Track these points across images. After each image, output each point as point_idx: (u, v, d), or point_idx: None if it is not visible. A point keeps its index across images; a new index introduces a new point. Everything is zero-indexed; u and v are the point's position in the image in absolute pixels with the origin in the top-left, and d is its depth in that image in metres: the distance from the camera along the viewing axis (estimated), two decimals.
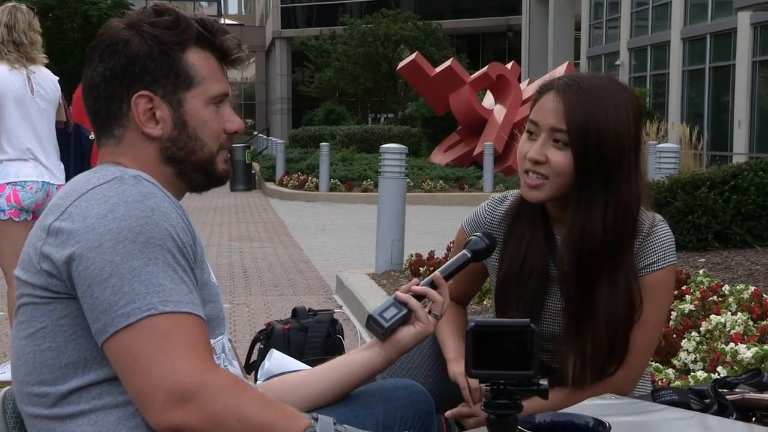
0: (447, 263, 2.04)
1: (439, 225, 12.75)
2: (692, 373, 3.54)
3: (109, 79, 1.69)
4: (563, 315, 2.21)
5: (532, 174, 2.15)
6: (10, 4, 4.77)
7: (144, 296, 1.53)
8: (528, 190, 2.17)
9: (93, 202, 1.59)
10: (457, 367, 2.28)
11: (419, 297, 1.93)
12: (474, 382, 2.23)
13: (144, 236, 1.55)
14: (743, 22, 20.59)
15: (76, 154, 5.19)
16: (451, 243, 7.38)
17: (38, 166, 4.69)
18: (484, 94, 22.19)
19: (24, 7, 4.79)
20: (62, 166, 4.84)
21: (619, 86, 2.19)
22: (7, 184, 4.60)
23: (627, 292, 2.15)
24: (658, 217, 2.25)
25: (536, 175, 2.14)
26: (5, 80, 4.58)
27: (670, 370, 3.68)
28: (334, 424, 1.61)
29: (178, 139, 1.72)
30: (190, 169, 1.75)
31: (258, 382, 2.20)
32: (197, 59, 1.72)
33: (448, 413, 2.26)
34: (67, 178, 4.78)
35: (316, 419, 1.60)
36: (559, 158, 2.11)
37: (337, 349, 3.70)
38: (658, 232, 2.21)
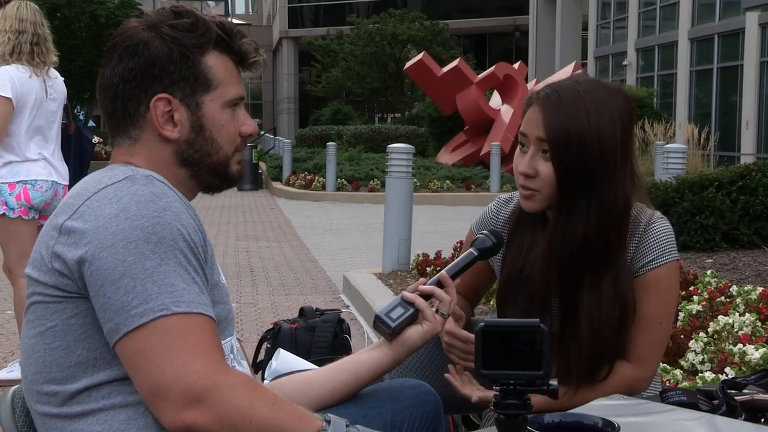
0: (454, 262, 2.03)
1: (446, 225, 12.74)
2: (700, 374, 3.53)
3: (127, 80, 1.69)
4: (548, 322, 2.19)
5: (524, 187, 2.14)
6: (17, 1, 4.77)
7: (157, 296, 1.53)
8: (523, 201, 2.18)
9: (105, 202, 1.59)
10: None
11: (426, 296, 1.93)
12: (458, 335, 2.21)
13: (156, 236, 1.55)
14: (751, 22, 20.56)
15: (75, 155, 5.20)
16: (457, 243, 7.40)
17: (47, 165, 4.71)
18: (491, 94, 22.19)
19: (31, 3, 4.80)
20: (66, 167, 4.85)
21: (605, 90, 2.14)
22: (18, 182, 4.61)
23: (614, 296, 2.11)
24: (657, 213, 2.21)
25: (527, 189, 2.14)
26: (26, 86, 4.59)
27: (677, 371, 3.67)
28: (347, 426, 1.61)
29: (195, 141, 1.72)
30: (205, 172, 1.75)
31: (265, 381, 2.20)
32: (216, 62, 1.72)
33: (474, 398, 2.21)
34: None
35: (329, 421, 1.60)
36: (547, 169, 2.10)
37: (345, 349, 3.70)
38: (656, 229, 2.17)
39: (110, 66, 1.71)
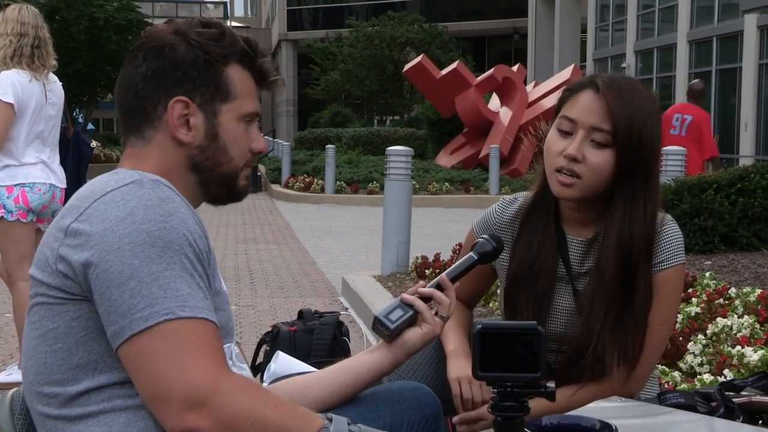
0: (453, 265, 2.04)
1: (445, 227, 12.75)
2: (699, 376, 3.53)
3: (149, 80, 1.71)
4: (586, 315, 2.19)
5: (566, 172, 2.14)
6: (17, 4, 4.77)
7: (162, 300, 1.54)
8: (560, 188, 2.16)
9: (112, 205, 1.60)
10: (453, 369, 2.28)
11: (426, 299, 1.93)
12: (466, 391, 2.23)
13: (163, 240, 1.56)
14: (750, 24, 20.57)
15: (73, 159, 5.20)
16: (456, 245, 7.40)
17: (45, 168, 4.71)
18: (490, 96, 22.20)
19: (32, 6, 4.79)
20: (63, 171, 4.86)
21: (644, 88, 2.21)
22: (16, 185, 4.61)
23: (651, 291, 2.17)
24: (668, 216, 2.26)
25: (569, 174, 2.14)
26: (27, 91, 4.59)
27: (676, 373, 3.67)
28: (349, 424, 1.62)
29: (208, 149, 1.73)
30: (214, 181, 1.77)
31: (264, 383, 2.21)
32: (237, 75, 1.74)
33: (455, 419, 2.26)
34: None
35: (331, 419, 1.62)
36: (597, 158, 2.12)
37: (343, 351, 3.71)
38: (667, 231, 2.21)
39: (134, 64, 1.73)
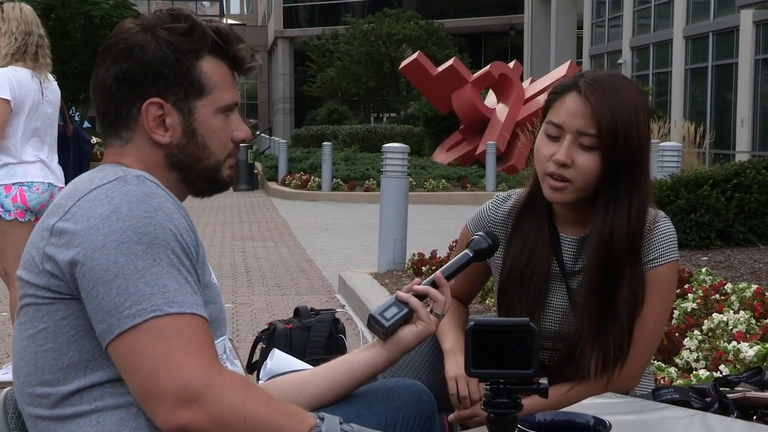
0: (449, 263, 2.04)
1: (442, 224, 12.75)
2: (695, 372, 3.54)
3: (121, 83, 1.69)
4: (579, 313, 2.20)
5: (557, 177, 2.14)
6: (14, 2, 4.76)
7: (149, 297, 1.53)
8: (552, 193, 2.17)
9: (96, 203, 1.59)
10: (451, 367, 2.29)
11: (421, 296, 1.94)
12: (463, 389, 2.24)
13: (148, 236, 1.56)
14: (746, 20, 20.58)
15: (75, 157, 5.20)
16: (453, 242, 7.41)
17: (43, 167, 4.71)
18: (487, 93, 22.19)
19: (27, 5, 4.79)
20: (61, 169, 4.86)
21: (631, 84, 2.20)
22: (14, 184, 4.61)
23: (641, 289, 2.16)
24: (661, 213, 2.26)
25: (560, 178, 2.14)
26: (24, 88, 4.58)
27: (672, 369, 3.68)
28: (341, 423, 1.62)
29: (186, 146, 1.72)
30: (195, 176, 1.75)
31: (260, 381, 2.21)
32: (210, 68, 1.72)
33: (450, 417, 2.26)
34: (66, 181, 4.80)
35: (323, 419, 1.61)
36: (586, 161, 2.11)
37: (340, 349, 3.71)
38: (660, 228, 2.21)
39: (104, 67, 1.71)
